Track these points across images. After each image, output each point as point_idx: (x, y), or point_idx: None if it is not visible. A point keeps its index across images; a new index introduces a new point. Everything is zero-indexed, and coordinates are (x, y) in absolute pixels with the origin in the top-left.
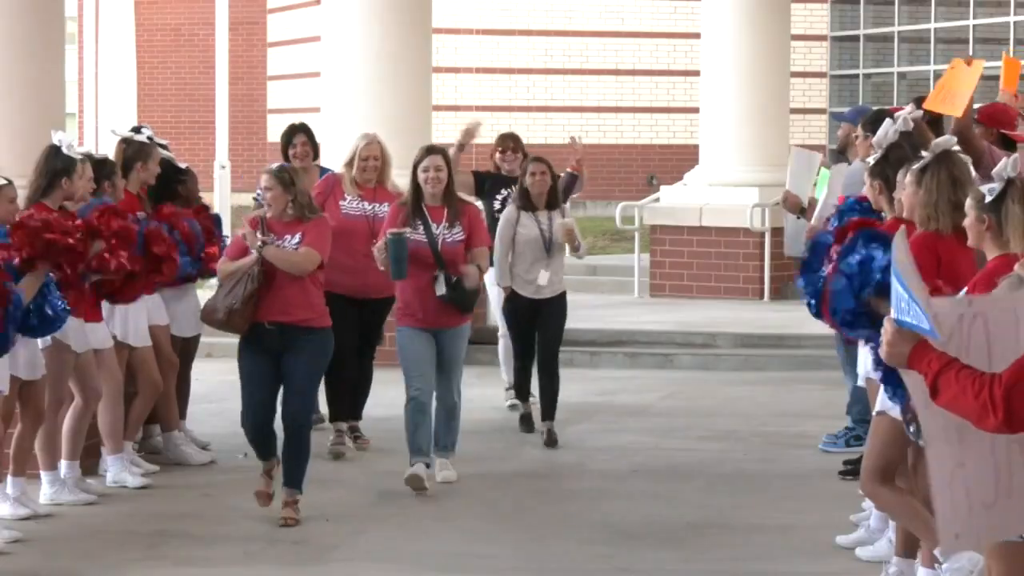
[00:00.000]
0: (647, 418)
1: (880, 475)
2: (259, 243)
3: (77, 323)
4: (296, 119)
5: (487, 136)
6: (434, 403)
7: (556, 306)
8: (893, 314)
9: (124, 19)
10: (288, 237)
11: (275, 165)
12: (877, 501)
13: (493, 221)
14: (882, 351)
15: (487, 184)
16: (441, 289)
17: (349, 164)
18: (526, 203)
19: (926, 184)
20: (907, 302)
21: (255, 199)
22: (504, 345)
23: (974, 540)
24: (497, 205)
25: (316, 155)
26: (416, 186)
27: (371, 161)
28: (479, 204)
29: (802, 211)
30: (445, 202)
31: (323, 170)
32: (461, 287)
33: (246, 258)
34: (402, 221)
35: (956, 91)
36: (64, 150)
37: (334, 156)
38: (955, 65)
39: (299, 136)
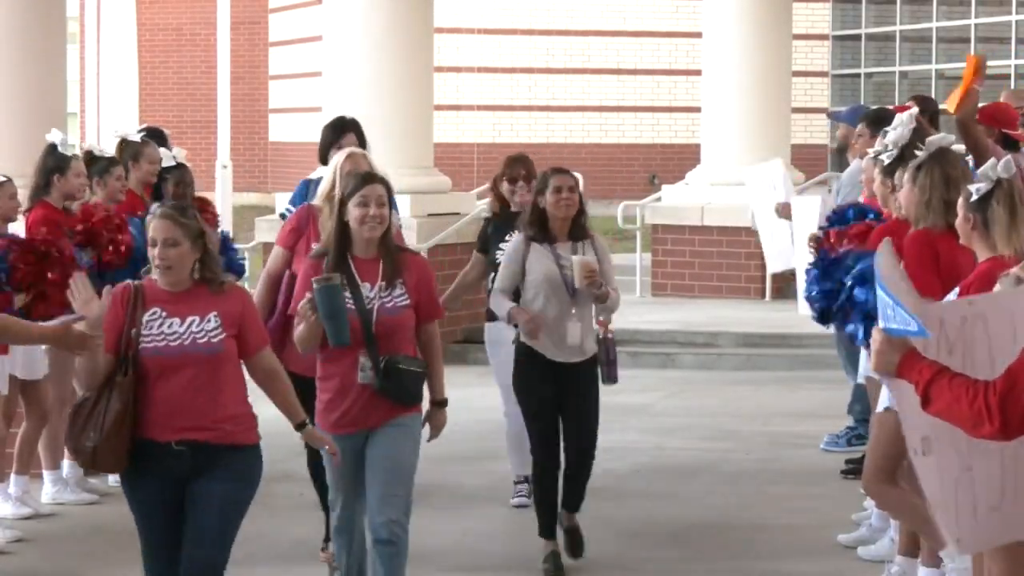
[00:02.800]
0: (648, 417)
1: (883, 474)
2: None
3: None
4: (297, 119)
5: (487, 136)
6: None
7: (587, 375)
8: (881, 323)
9: (126, 19)
10: (193, 319)
11: (166, 204)
12: (880, 500)
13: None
14: (872, 361)
15: (491, 228)
16: (367, 376)
17: (330, 195)
18: (541, 232)
19: (920, 182)
20: (892, 308)
21: (283, 216)
22: (514, 429)
23: (978, 544)
24: (503, 255)
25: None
26: (342, 229)
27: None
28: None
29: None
30: (381, 252)
31: (303, 188)
32: (399, 373)
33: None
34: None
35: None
36: (59, 148)
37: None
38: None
39: (348, 136)
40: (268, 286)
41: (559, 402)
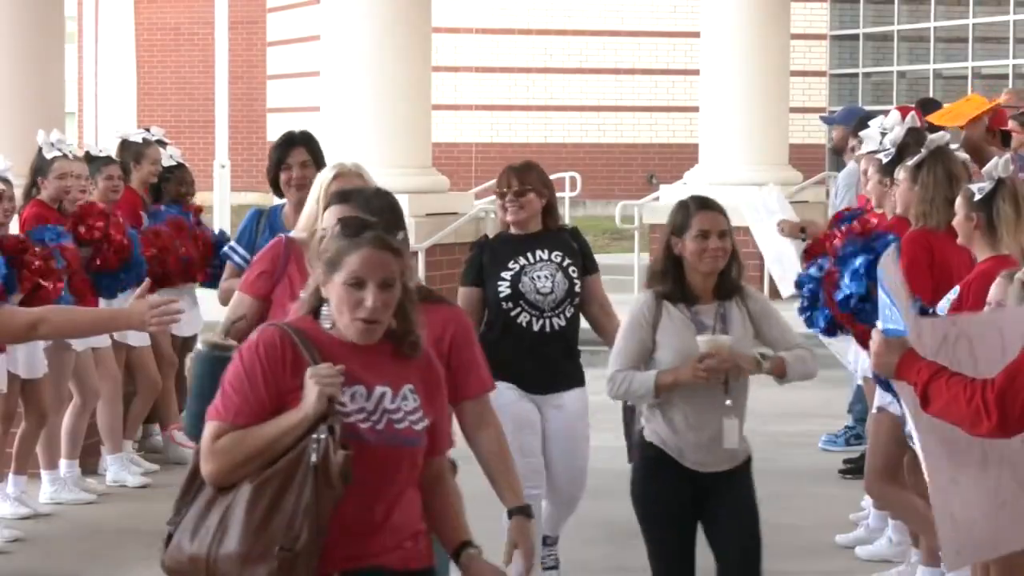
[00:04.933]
0: None
1: (885, 474)
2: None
3: None
4: (296, 118)
5: (485, 135)
6: None
7: (743, 483)
8: (880, 324)
9: (124, 18)
10: (384, 392)
11: (376, 228)
12: (882, 501)
13: (502, 328)
14: (871, 362)
15: (486, 255)
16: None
17: (313, 223)
18: (677, 288)
19: (922, 180)
20: (890, 308)
21: (226, 257)
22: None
23: (975, 554)
24: (504, 290)
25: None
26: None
27: None
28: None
29: (802, 230)
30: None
31: (252, 221)
32: None
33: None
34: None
35: (962, 111)
36: (43, 149)
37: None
38: (970, 98)
39: (297, 151)
40: None
41: (704, 525)
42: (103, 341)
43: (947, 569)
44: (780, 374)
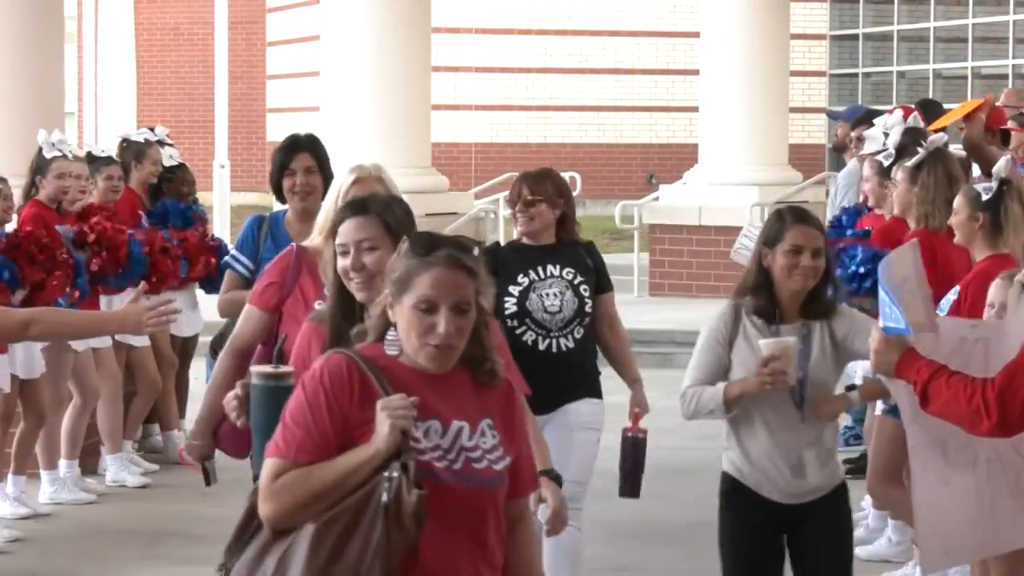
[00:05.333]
0: (646, 417)
1: (887, 475)
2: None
3: None
4: (296, 118)
5: (484, 135)
6: None
7: (833, 514)
8: (880, 323)
9: (123, 18)
10: (461, 427)
11: (452, 245)
12: (886, 502)
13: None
14: (871, 361)
15: (499, 264)
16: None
17: (332, 233)
18: (766, 302)
19: (922, 181)
20: (890, 307)
21: (227, 266)
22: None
23: (966, 554)
24: (511, 307)
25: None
26: (341, 297)
27: None
28: None
29: None
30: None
31: (253, 229)
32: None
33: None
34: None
35: (955, 112)
36: (43, 149)
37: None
38: (964, 104)
39: (302, 157)
40: (234, 362)
41: (784, 558)
42: (103, 341)
43: (926, 569)
44: (876, 397)
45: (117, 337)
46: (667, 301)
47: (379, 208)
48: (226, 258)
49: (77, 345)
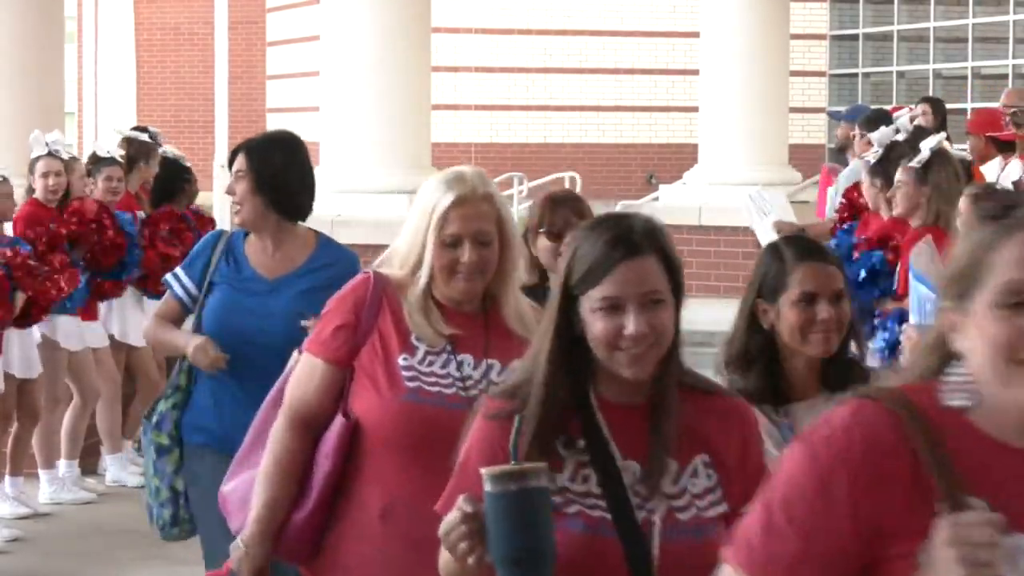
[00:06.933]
0: None
1: None
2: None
3: (72, 321)
4: (296, 118)
5: (484, 135)
6: None
7: None
8: (914, 320)
9: (123, 18)
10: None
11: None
12: None
13: None
14: (904, 360)
15: None
16: None
17: (417, 264)
18: (768, 383)
19: (933, 180)
20: (933, 303)
21: (167, 287)
22: None
23: None
24: None
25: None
26: (571, 334)
27: (475, 248)
28: None
29: (801, 230)
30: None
31: (207, 249)
32: None
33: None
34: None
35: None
36: (33, 148)
37: (334, 162)
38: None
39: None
40: (302, 441)
41: None
42: (102, 341)
43: None
44: None
45: (117, 337)
46: None
47: (647, 240)
48: (167, 276)
49: (75, 345)
